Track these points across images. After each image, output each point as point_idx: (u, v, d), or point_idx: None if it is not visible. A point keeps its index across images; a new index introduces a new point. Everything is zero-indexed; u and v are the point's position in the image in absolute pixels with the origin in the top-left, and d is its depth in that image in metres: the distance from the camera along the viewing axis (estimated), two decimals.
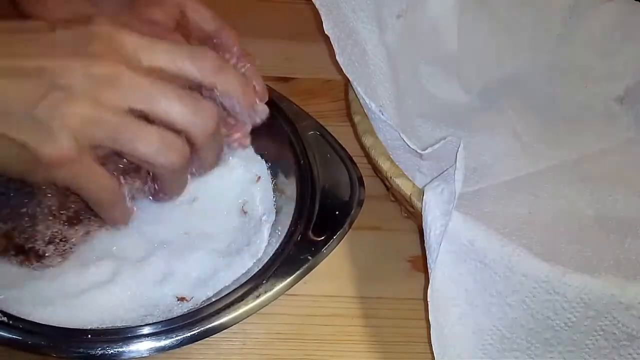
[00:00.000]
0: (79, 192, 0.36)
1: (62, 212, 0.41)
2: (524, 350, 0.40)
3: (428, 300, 0.38)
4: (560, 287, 0.37)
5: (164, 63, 0.36)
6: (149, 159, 0.36)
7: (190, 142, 0.37)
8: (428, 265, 0.39)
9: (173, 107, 0.35)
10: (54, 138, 0.33)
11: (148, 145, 0.35)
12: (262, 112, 0.41)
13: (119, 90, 0.34)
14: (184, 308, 0.40)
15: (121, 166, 0.39)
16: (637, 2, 0.61)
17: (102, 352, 0.36)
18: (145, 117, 0.35)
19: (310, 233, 0.42)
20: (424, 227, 0.40)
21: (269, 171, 0.49)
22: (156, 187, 0.40)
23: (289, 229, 0.43)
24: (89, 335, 0.36)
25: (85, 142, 0.34)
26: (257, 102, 0.41)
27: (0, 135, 0.33)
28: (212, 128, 0.37)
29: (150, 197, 0.41)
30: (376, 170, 0.48)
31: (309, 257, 0.41)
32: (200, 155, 0.38)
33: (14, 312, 0.37)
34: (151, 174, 0.39)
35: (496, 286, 0.38)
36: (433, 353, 0.38)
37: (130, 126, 0.35)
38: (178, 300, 0.41)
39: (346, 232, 0.43)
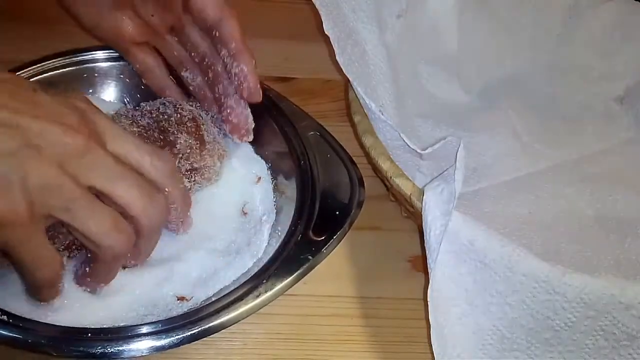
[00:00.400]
0: (19, 260, 0.35)
1: None
2: (524, 350, 0.40)
3: (428, 300, 0.38)
4: (560, 287, 0.37)
5: (126, 153, 0.37)
6: (97, 239, 0.35)
7: (135, 231, 0.37)
8: (428, 265, 0.39)
9: (131, 192, 0.36)
10: (11, 194, 0.32)
11: (100, 224, 0.35)
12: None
13: (85, 165, 0.34)
14: (184, 308, 0.40)
15: (64, 244, 0.39)
16: (637, 2, 0.61)
17: (101, 350, 0.36)
18: (100, 198, 0.36)
19: (310, 233, 0.42)
20: (424, 227, 0.40)
21: (269, 172, 0.49)
22: (86, 270, 0.39)
23: (289, 229, 0.43)
24: (89, 334, 0.36)
25: (40, 208, 0.33)
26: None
27: None
28: (161, 222, 0.38)
29: (74, 280, 0.40)
30: (376, 170, 0.48)
31: (309, 257, 0.41)
32: (139, 246, 0.38)
33: (15, 311, 0.37)
34: (89, 255, 0.39)
35: (496, 286, 0.38)
36: (433, 353, 0.38)
37: (87, 202, 0.35)
38: (178, 299, 0.41)
39: (346, 233, 0.43)
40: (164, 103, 0.47)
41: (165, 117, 0.45)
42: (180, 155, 0.44)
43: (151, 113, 0.46)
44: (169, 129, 0.45)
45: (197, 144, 0.45)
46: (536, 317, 0.38)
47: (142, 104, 0.47)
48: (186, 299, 0.41)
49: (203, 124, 0.46)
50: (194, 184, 0.45)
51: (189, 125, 0.45)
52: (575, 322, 0.38)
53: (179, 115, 0.46)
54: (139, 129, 0.44)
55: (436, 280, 0.39)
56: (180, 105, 0.47)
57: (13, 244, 0.34)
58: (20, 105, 0.34)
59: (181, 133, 0.45)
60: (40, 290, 0.37)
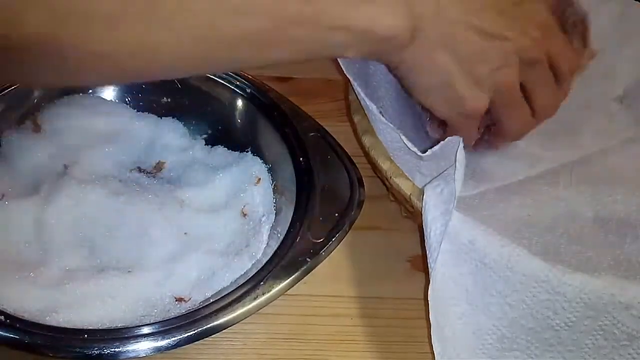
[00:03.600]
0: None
1: None
2: (524, 350, 0.40)
3: (428, 300, 0.38)
4: (560, 287, 0.37)
5: None
6: None
7: None
8: (428, 265, 0.39)
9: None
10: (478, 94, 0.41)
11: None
12: None
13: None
14: (182, 309, 0.40)
15: None
16: (637, 1, 0.61)
17: (98, 352, 0.36)
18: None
19: (309, 235, 0.42)
20: (424, 227, 0.40)
21: (269, 173, 0.49)
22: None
23: (288, 231, 0.43)
24: (85, 335, 0.36)
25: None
26: None
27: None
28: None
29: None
30: (376, 170, 0.48)
31: (308, 259, 0.41)
32: None
33: (12, 312, 0.37)
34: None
35: (496, 286, 0.38)
36: (433, 353, 0.39)
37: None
38: (176, 300, 0.41)
39: (345, 234, 0.43)
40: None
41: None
42: None
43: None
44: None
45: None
46: (536, 317, 0.38)
47: None
48: (184, 300, 0.41)
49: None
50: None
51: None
52: (575, 322, 0.38)
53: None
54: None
55: (436, 280, 0.39)
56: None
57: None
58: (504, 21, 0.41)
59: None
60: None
